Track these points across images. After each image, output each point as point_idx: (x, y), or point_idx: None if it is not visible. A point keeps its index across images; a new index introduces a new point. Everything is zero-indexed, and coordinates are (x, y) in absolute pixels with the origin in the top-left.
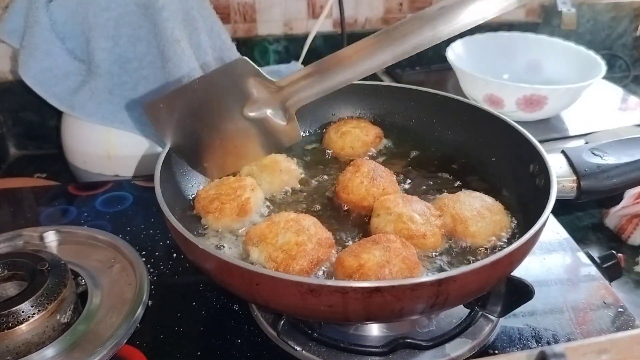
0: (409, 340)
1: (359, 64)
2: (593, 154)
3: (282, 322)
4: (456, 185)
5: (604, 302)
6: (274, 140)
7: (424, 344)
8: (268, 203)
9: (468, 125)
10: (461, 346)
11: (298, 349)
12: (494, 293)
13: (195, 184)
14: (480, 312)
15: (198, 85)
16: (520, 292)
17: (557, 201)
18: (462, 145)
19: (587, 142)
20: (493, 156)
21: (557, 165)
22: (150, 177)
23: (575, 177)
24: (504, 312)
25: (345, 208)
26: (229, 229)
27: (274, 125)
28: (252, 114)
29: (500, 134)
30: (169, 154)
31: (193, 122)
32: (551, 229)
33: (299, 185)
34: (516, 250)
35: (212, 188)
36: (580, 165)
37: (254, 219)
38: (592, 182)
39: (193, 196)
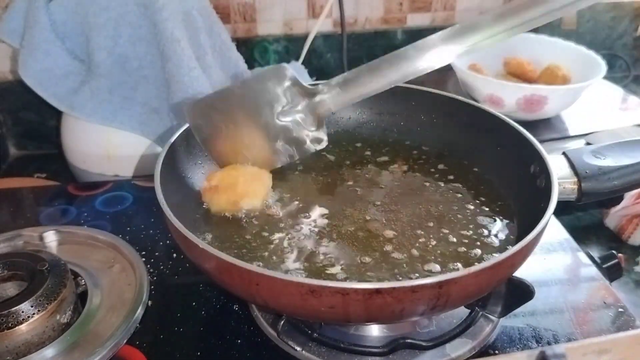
0: (409, 341)
1: (385, 76)
2: (594, 156)
3: (282, 322)
4: (450, 178)
5: (604, 302)
6: (298, 147)
7: (424, 344)
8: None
9: (468, 124)
10: (462, 346)
11: (298, 349)
12: (494, 293)
13: (196, 182)
14: (481, 313)
15: (238, 88)
16: (521, 293)
17: (557, 202)
18: (462, 144)
19: (587, 142)
20: (493, 156)
21: (557, 166)
22: (151, 177)
23: (576, 179)
24: (505, 313)
25: None
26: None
27: (302, 132)
28: (284, 119)
29: (501, 134)
30: (169, 152)
31: (224, 119)
32: (551, 229)
33: None
34: (518, 252)
35: (223, 172)
36: (581, 167)
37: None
38: (593, 184)
39: (195, 192)
